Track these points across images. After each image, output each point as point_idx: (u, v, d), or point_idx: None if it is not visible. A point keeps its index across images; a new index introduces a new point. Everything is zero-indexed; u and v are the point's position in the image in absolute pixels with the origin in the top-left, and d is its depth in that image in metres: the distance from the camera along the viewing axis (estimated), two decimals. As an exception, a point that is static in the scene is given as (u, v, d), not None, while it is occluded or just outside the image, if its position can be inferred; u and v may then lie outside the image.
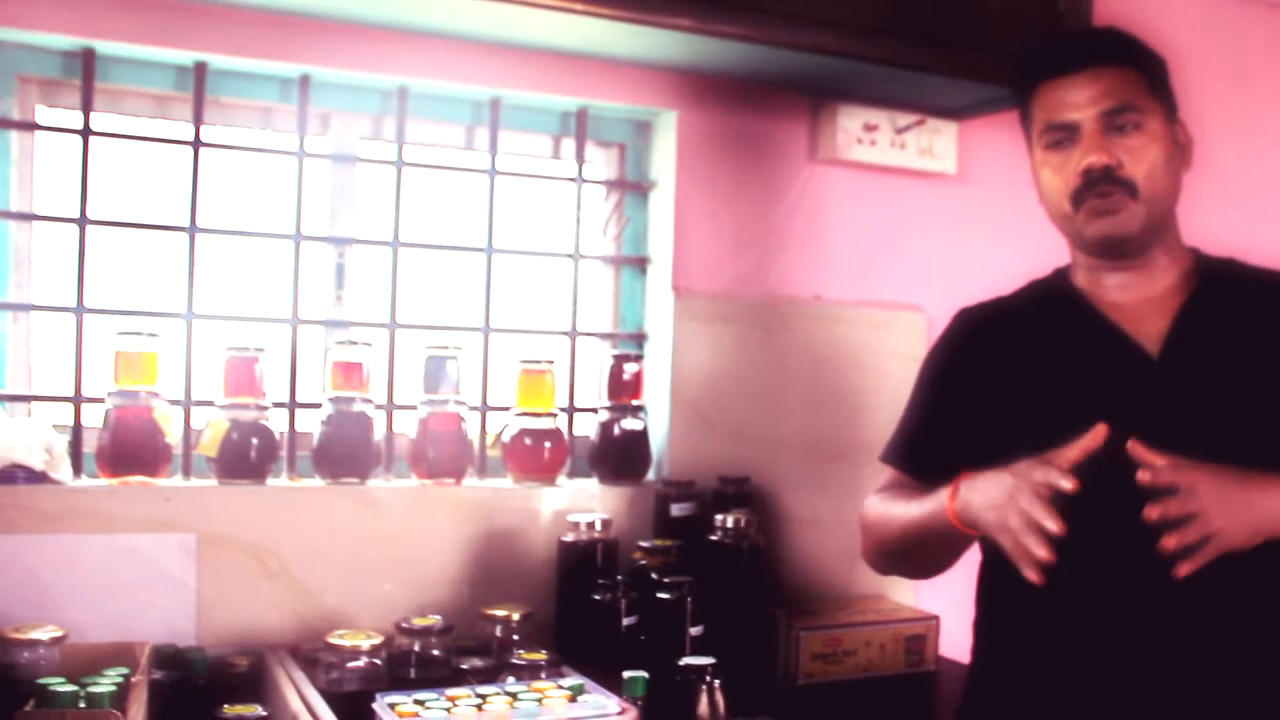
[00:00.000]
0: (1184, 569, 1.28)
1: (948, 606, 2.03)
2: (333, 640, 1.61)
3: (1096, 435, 1.33)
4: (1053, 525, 1.27)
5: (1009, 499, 1.32)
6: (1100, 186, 1.44)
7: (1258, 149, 2.74)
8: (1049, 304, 1.57)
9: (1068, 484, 1.29)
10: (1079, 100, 1.45)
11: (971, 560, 1.61)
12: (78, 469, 1.77)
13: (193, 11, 1.77)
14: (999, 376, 1.54)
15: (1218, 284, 1.50)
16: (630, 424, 2.09)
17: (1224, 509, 1.28)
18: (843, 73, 2.03)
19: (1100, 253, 1.50)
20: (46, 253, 1.85)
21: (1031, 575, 1.29)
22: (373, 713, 1.40)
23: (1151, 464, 1.30)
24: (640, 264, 2.22)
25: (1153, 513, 1.27)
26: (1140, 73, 1.47)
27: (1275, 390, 1.42)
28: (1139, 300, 1.50)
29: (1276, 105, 2.79)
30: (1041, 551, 1.27)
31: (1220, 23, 2.69)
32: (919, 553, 1.57)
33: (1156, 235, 1.49)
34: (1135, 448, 1.31)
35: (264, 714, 1.43)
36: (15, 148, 1.82)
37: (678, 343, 2.13)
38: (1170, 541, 1.26)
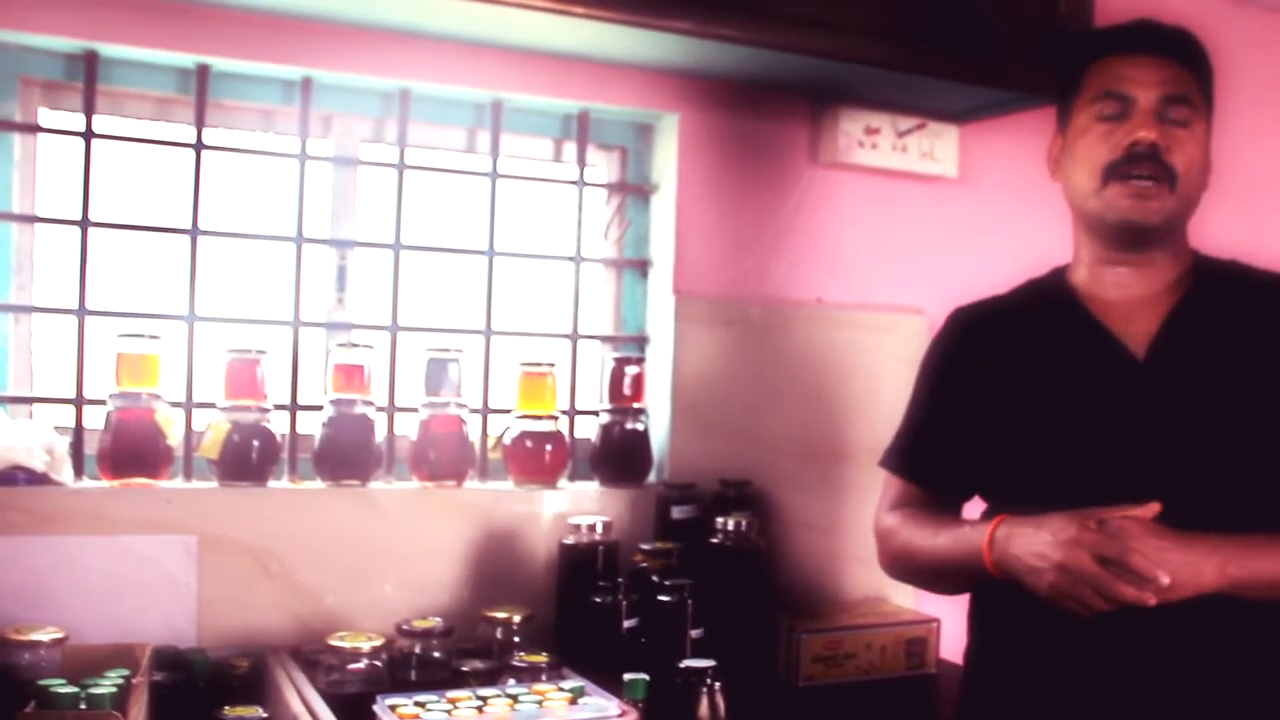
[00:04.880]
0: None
1: (948, 609, 2.03)
2: (333, 642, 1.61)
3: (1149, 510, 1.33)
4: (1130, 594, 1.28)
5: (1062, 569, 1.32)
6: (1142, 164, 1.43)
7: (1260, 151, 2.74)
8: (1042, 303, 1.57)
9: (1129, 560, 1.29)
10: (1143, 78, 1.46)
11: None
12: (79, 471, 1.77)
13: (195, 14, 1.77)
14: (993, 377, 1.54)
15: (1212, 286, 1.50)
16: (631, 426, 2.09)
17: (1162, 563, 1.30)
18: (844, 76, 2.03)
19: (1115, 236, 1.49)
20: (48, 255, 1.85)
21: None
22: (373, 714, 1.40)
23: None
24: (641, 267, 2.22)
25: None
26: (1197, 77, 1.49)
27: (1263, 393, 1.41)
28: (1133, 299, 1.50)
29: (1276, 108, 2.80)
30: (1149, 597, 1.29)
31: (1220, 26, 2.67)
32: (945, 582, 1.61)
33: (1169, 237, 1.49)
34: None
35: (264, 716, 1.42)
36: (17, 150, 1.83)
37: (679, 345, 2.13)
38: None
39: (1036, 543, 1.35)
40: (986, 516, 1.58)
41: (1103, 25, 1.69)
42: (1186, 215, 1.50)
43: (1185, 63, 1.49)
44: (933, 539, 1.52)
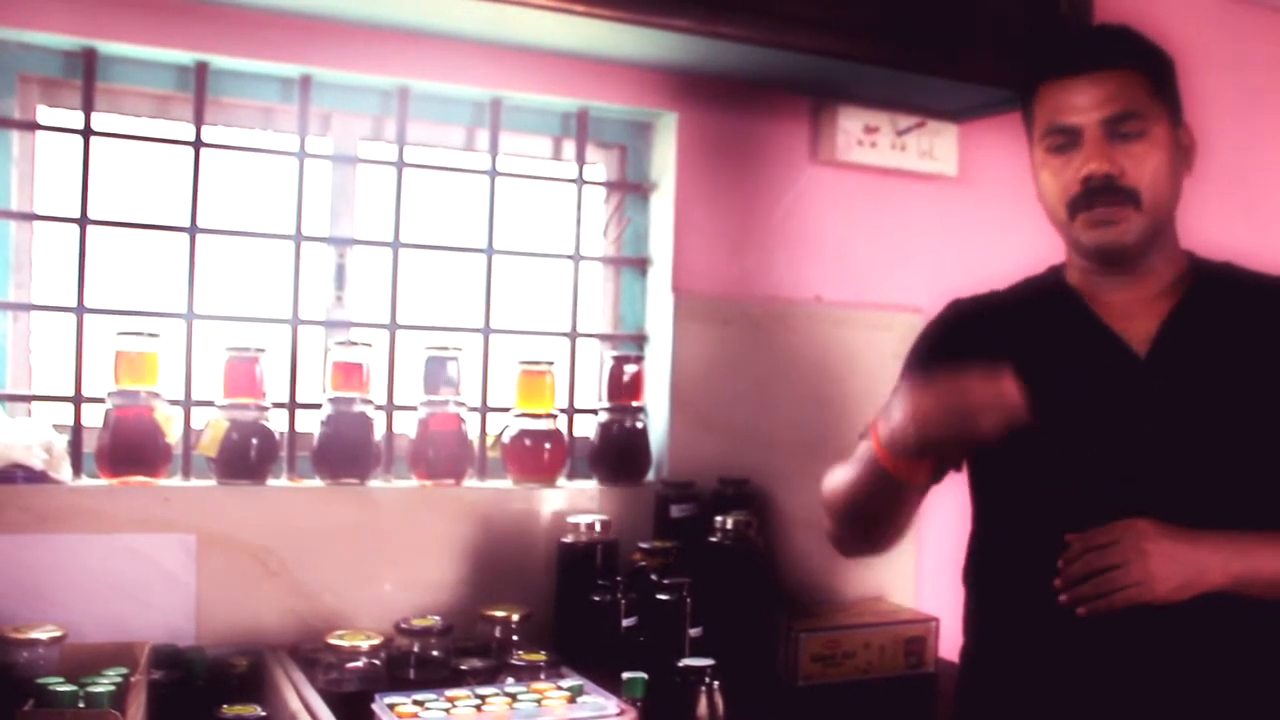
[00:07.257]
0: (1083, 609, 1.33)
1: (947, 608, 2.03)
2: (332, 641, 1.62)
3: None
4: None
5: (962, 407, 1.31)
6: (1101, 196, 1.42)
7: (1259, 151, 2.74)
8: (1040, 300, 1.57)
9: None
10: (1082, 104, 1.43)
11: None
12: (78, 469, 1.77)
13: (194, 12, 1.77)
14: (985, 368, 1.54)
15: (1211, 287, 1.50)
16: (630, 425, 2.09)
17: (1144, 563, 1.31)
18: (843, 74, 2.03)
19: (1097, 260, 1.49)
20: (47, 252, 1.85)
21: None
22: (372, 713, 1.40)
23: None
24: (640, 265, 2.22)
25: (1072, 568, 1.33)
26: (1145, 75, 1.45)
27: (1263, 393, 1.42)
28: (1131, 300, 1.50)
29: (1278, 107, 2.80)
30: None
31: (1222, 24, 2.69)
32: (866, 513, 1.52)
33: (1155, 242, 1.48)
34: None
35: (263, 714, 1.43)
36: (16, 147, 1.82)
37: (678, 344, 2.13)
38: (1083, 590, 1.33)
39: (933, 402, 1.33)
40: (977, 509, 1.59)
41: (1042, 42, 1.63)
42: (1164, 223, 1.48)
43: (1128, 66, 1.44)
44: (844, 468, 1.52)
